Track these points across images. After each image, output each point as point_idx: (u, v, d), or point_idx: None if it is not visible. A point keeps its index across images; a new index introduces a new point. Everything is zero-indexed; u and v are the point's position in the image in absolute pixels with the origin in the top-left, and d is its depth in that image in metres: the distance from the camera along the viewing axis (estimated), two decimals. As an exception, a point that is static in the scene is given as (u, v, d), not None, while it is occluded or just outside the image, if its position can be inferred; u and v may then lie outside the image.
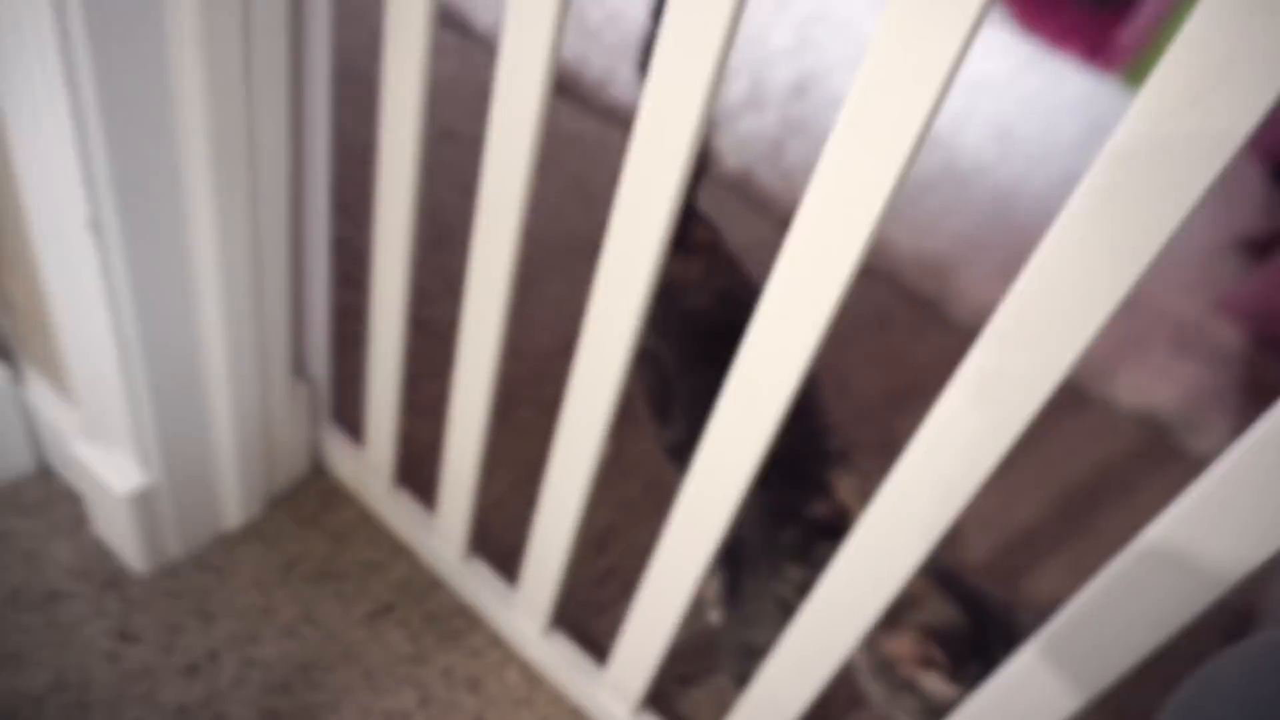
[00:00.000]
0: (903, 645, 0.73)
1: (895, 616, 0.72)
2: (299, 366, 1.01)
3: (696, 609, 0.92)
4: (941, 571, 0.75)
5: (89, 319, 0.77)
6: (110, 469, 0.87)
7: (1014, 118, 2.37)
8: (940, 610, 0.73)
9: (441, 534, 0.99)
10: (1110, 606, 0.51)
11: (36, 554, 0.92)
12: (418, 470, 1.07)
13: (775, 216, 1.79)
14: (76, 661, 0.85)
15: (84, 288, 0.74)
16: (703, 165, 0.98)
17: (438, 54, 0.66)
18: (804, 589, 0.69)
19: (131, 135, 0.65)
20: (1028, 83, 2.59)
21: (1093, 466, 1.47)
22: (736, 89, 2.07)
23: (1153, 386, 1.59)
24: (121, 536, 0.90)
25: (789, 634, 0.70)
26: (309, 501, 1.05)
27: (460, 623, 0.99)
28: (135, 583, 0.92)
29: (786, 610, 0.73)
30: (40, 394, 0.95)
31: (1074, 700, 0.56)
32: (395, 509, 1.04)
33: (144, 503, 0.87)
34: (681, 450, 0.90)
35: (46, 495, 0.98)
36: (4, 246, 0.85)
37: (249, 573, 0.96)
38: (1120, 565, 0.49)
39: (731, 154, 1.89)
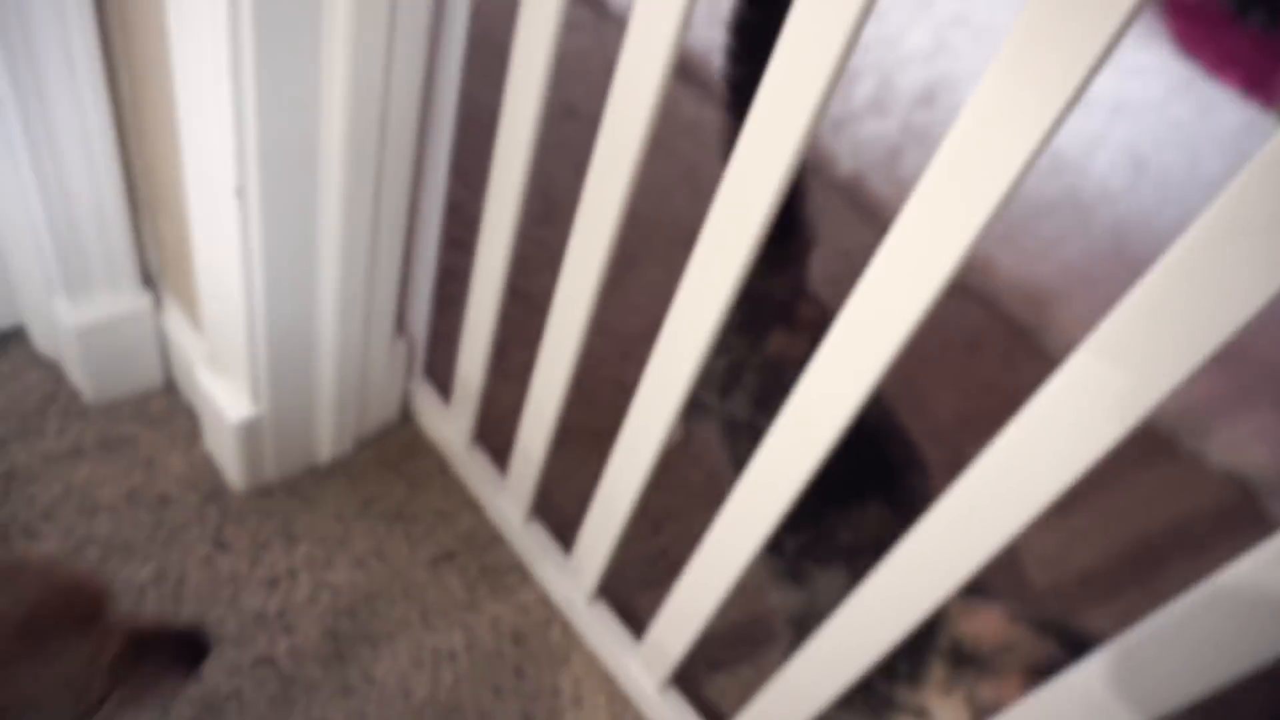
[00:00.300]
0: (1009, 689, 0.72)
1: (990, 661, 0.73)
2: (400, 323, 1.10)
3: (734, 599, 0.96)
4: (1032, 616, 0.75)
5: (224, 267, 0.86)
6: (225, 397, 0.97)
7: (1153, 146, 2.26)
8: (1038, 648, 0.73)
9: (509, 494, 1.06)
10: (1177, 637, 0.51)
11: (155, 461, 1.04)
12: (497, 432, 1.15)
13: (882, 224, 1.79)
14: (177, 560, 0.96)
15: (223, 241, 0.83)
16: (808, 239, 0.99)
17: (570, 30, 0.71)
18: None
19: (280, 117, 0.73)
20: (1176, 110, 2.46)
21: (1168, 521, 1.43)
22: (861, 91, 2.05)
23: (1248, 446, 1.53)
24: (227, 457, 1.01)
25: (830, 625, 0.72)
26: (394, 447, 1.14)
27: (514, 579, 1.06)
28: (233, 498, 1.03)
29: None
30: (175, 321, 1.06)
31: None
32: (470, 465, 1.12)
33: (250, 431, 0.97)
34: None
35: (169, 409, 1.10)
36: (163, 193, 0.96)
37: (332, 504, 1.06)
38: (1197, 596, 0.49)
39: (847, 158, 1.89)
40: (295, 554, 1.00)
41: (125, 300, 1.03)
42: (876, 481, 0.87)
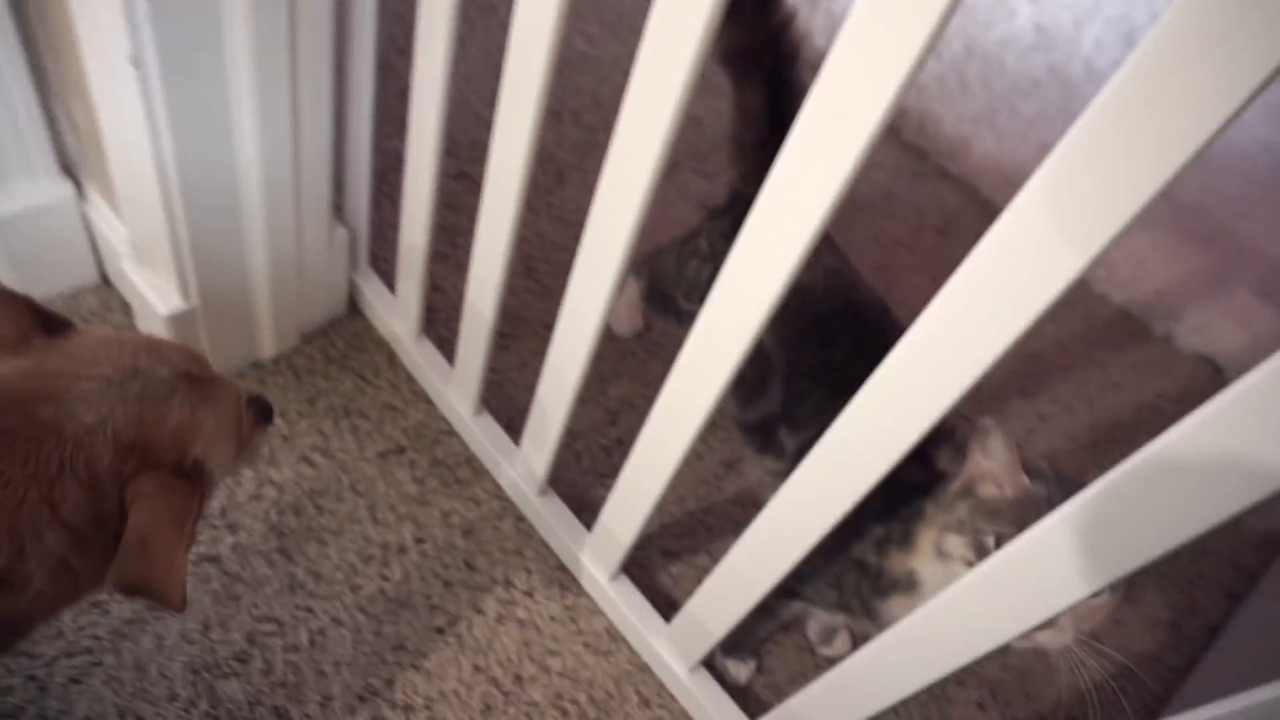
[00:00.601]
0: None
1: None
2: (339, 210, 1.04)
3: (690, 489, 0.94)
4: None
5: (132, 147, 0.80)
6: (153, 290, 0.93)
7: (1147, 20, 2.16)
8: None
9: (458, 386, 1.04)
10: (1134, 498, 0.49)
11: (88, 358, 1.00)
12: (447, 325, 1.11)
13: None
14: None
15: (127, 116, 0.77)
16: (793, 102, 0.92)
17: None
18: None
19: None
20: (1172, -19, 2.34)
21: (1134, 405, 1.42)
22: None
23: (1217, 329, 1.51)
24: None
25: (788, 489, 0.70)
26: (341, 341, 1.11)
27: (465, 472, 1.04)
28: (173, 396, 1.00)
29: None
30: (100, 211, 1.01)
31: (1086, 584, 0.53)
32: (418, 358, 1.08)
33: (182, 325, 0.93)
34: (765, 425, 0.91)
35: (103, 305, 1.06)
36: (69, 72, 0.89)
37: (276, 400, 1.03)
38: (1149, 455, 0.47)
39: (822, 36, 1.79)
40: (238, 451, 0.98)
41: (43, 190, 0.98)
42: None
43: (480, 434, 1.04)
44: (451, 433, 1.07)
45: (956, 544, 0.72)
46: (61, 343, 0.55)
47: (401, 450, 1.04)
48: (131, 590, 0.51)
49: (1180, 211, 1.69)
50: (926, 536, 0.75)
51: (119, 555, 0.50)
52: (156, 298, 0.92)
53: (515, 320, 1.19)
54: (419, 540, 0.97)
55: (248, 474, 0.96)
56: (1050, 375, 1.40)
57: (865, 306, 0.94)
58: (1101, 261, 0.43)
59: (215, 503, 0.94)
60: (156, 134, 0.77)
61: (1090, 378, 1.43)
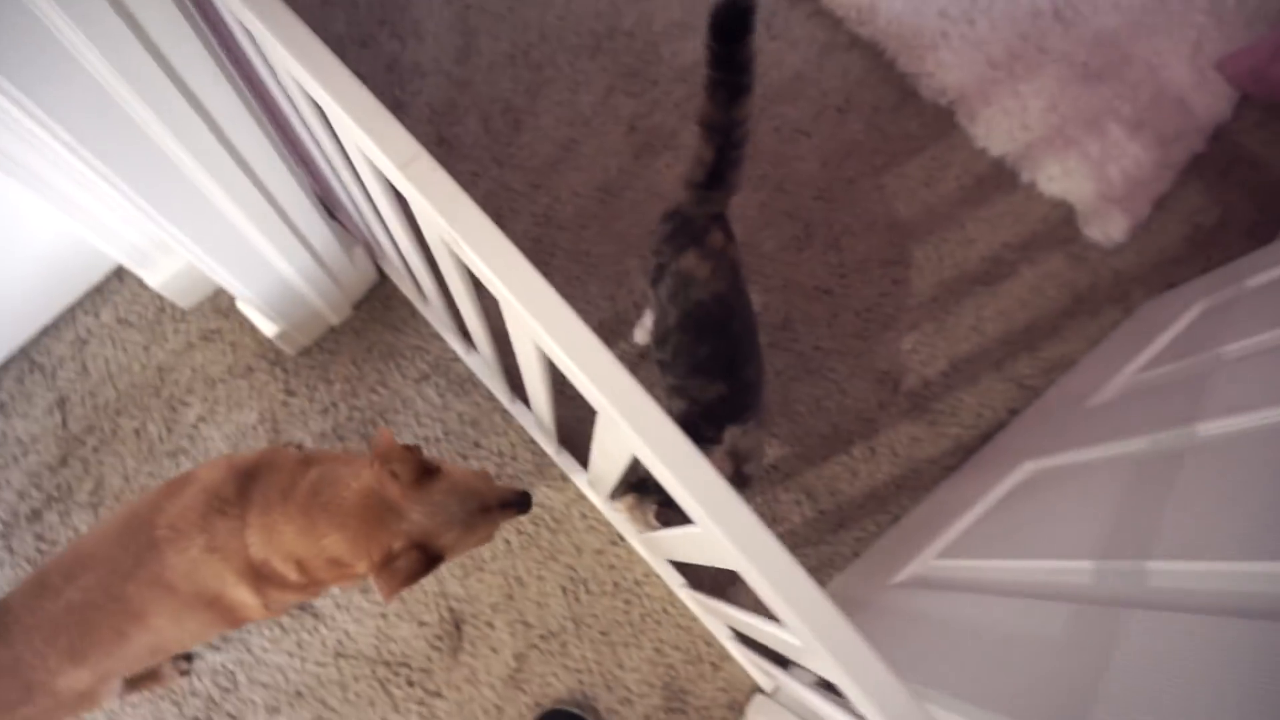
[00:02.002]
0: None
1: None
2: (354, 233, 1.58)
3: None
4: None
5: (221, 282, 1.37)
6: (258, 319, 1.55)
7: None
8: None
9: (450, 331, 1.63)
10: None
11: (236, 344, 1.66)
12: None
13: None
14: (267, 406, 1.63)
15: (214, 276, 1.33)
16: (732, 186, 1.31)
17: None
18: None
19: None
20: None
21: (981, 257, 1.79)
22: None
23: (1077, 173, 1.79)
24: (279, 342, 1.62)
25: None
26: (378, 304, 1.71)
27: (468, 386, 1.68)
28: (290, 360, 1.66)
29: None
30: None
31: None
32: (427, 311, 1.67)
33: (282, 334, 1.56)
34: (662, 365, 1.40)
35: (232, 301, 1.69)
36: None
37: (347, 353, 1.67)
38: None
39: None
40: (334, 391, 1.65)
41: (175, 258, 1.57)
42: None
43: (472, 362, 1.65)
44: (456, 360, 1.68)
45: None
46: (430, 483, 1.07)
47: (427, 376, 1.67)
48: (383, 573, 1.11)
49: (1080, 46, 1.87)
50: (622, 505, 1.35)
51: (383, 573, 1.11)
52: (261, 325, 1.54)
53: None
54: (445, 433, 1.65)
55: (341, 404, 1.64)
56: (909, 240, 1.80)
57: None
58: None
59: (328, 424, 1.63)
60: (232, 284, 1.33)
61: (948, 236, 1.81)
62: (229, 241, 1.24)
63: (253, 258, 1.31)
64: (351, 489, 1.07)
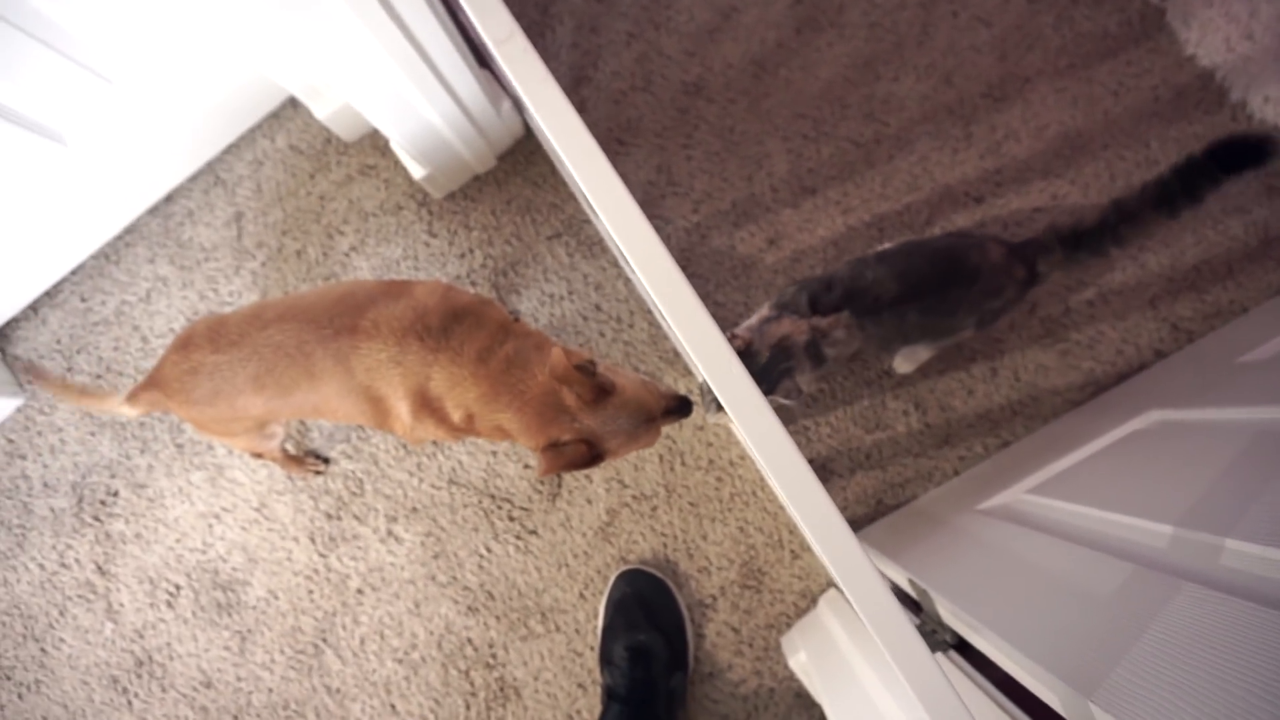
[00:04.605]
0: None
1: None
2: (504, 86, 1.61)
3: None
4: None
5: (376, 123, 1.44)
6: (410, 164, 1.63)
7: None
8: None
9: (590, 195, 1.66)
10: None
11: (390, 181, 1.76)
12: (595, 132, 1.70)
13: None
14: (411, 246, 1.74)
15: (368, 117, 1.41)
16: None
17: None
18: None
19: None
20: None
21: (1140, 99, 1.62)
22: None
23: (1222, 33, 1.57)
24: (425, 184, 1.70)
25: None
26: (521, 158, 1.75)
27: (597, 249, 1.72)
28: (434, 203, 1.75)
29: None
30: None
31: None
32: (566, 170, 1.70)
33: (429, 178, 1.64)
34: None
35: (387, 143, 1.78)
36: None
37: (488, 203, 1.74)
38: None
39: None
40: (471, 237, 1.73)
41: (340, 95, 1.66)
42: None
43: (602, 226, 1.68)
44: (588, 222, 1.72)
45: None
46: (605, 399, 1.15)
47: (560, 235, 1.73)
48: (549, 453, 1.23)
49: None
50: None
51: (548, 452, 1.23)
52: (411, 167, 1.62)
53: (635, 130, 1.73)
54: (570, 292, 1.71)
55: (478, 251, 1.73)
56: (1082, 155, 1.65)
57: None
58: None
59: (464, 268, 1.72)
60: (386, 127, 1.40)
61: (1125, 155, 1.64)
62: (377, 87, 1.30)
63: (400, 104, 1.37)
64: (538, 380, 1.17)
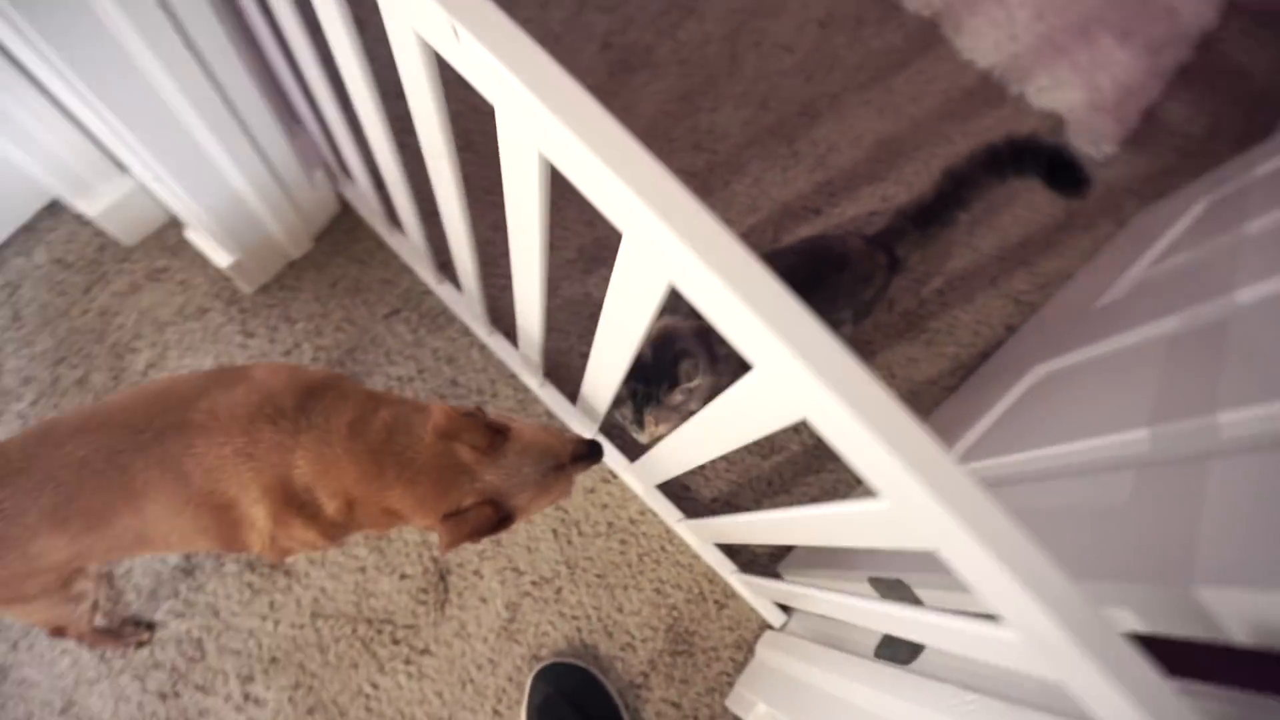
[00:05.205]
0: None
1: None
2: (308, 158, 1.46)
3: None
4: None
5: (170, 200, 1.24)
6: (211, 251, 1.42)
7: None
8: None
9: (424, 261, 1.51)
10: None
11: (187, 282, 1.53)
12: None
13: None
14: (224, 349, 1.50)
15: (163, 192, 1.20)
16: None
17: None
18: None
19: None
20: None
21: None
22: None
23: (1068, 84, 1.74)
24: (235, 275, 1.49)
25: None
26: (341, 236, 1.58)
27: (442, 320, 1.56)
28: (246, 299, 1.53)
29: None
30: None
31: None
32: (395, 240, 1.55)
33: (237, 266, 1.43)
34: None
35: (180, 237, 1.55)
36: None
37: (310, 290, 1.55)
38: None
39: None
40: (296, 330, 1.52)
41: (116, 184, 1.43)
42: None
43: (445, 292, 1.53)
44: (429, 292, 1.57)
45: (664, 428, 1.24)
46: (503, 445, 1.00)
47: (398, 311, 1.56)
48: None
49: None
50: (650, 421, 1.26)
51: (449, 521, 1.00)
52: (215, 255, 1.41)
53: (468, 187, 1.61)
54: (420, 371, 1.53)
55: (305, 344, 1.52)
56: (899, 158, 1.73)
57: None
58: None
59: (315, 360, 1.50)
60: (184, 200, 1.20)
61: (937, 151, 1.74)
62: (181, 147, 1.12)
63: (206, 168, 1.19)
64: (425, 444, 0.98)
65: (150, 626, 1.41)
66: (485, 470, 0.99)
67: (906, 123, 1.74)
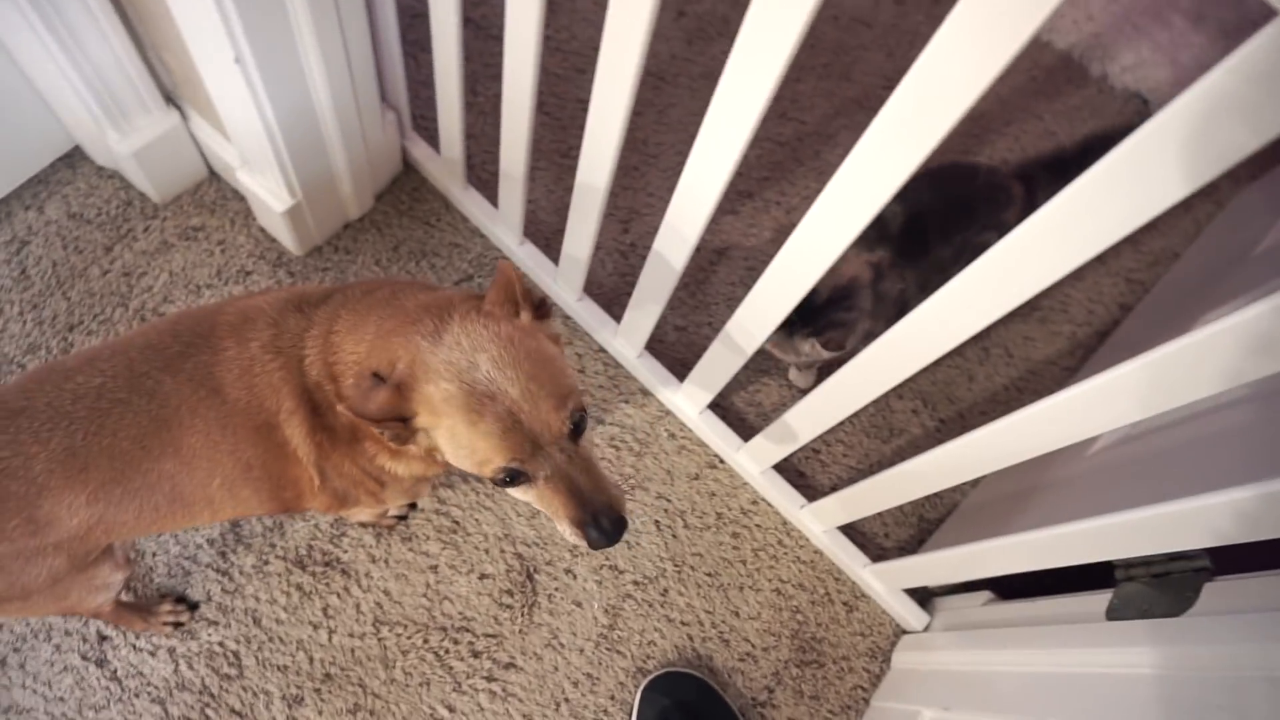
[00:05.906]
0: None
1: None
2: (385, 96, 1.29)
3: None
4: None
5: (238, 106, 1.05)
6: (267, 193, 1.22)
7: None
8: None
9: (503, 221, 1.34)
10: None
11: (226, 242, 1.32)
12: (485, 168, 1.40)
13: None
14: (270, 315, 1.29)
15: (231, 91, 1.02)
16: None
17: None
18: None
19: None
20: None
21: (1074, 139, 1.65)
22: None
23: (1149, 65, 1.69)
24: (281, 233, 1.29)
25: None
26: (405, 196, 1.40)
27: (520, 287, 1.38)
28: (295, 260, 1.33)
29: None
30: (200, 126, 1.28)
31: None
32: (467, 202, 1.38)
33: (294, 215, 1.24)
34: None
35: (219, 195, 1.36)
36: (159, 32, 1.12)
37: (370, 252, 1.35)
38: None
39: None
40: (353, 296, 1.32)
41: (157, 119, 1.24)
42: None
43: (526, 258, 1.36)
44: (503, 255, 1.39)
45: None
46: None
47: (470, 277, 1.37)
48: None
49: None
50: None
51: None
52: (271, 199, 1.21)
53: (535, 153, 1.46)
54: (496, 343, 1.33)
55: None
56: (990, 132, 1.64)
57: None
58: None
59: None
60: (258, 100, 1.02)
61: (1027, 128, 1.66)
62: (275, 25, 0.94)
63: (293, 62, 1.01)
64: (418, 299, 0.78)
65: (193, 606, 1.15)
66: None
67: (992, 99, 1.66)
